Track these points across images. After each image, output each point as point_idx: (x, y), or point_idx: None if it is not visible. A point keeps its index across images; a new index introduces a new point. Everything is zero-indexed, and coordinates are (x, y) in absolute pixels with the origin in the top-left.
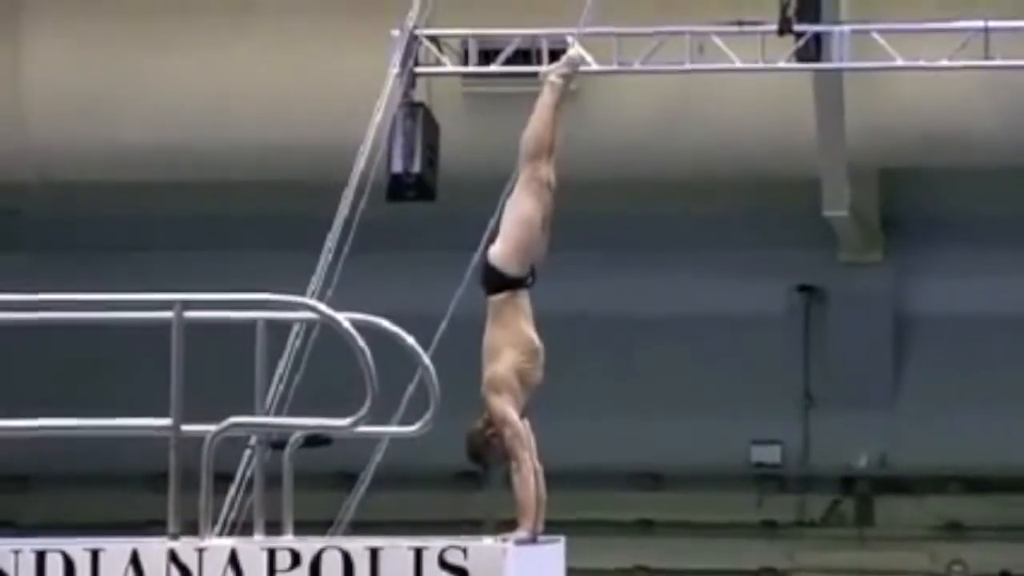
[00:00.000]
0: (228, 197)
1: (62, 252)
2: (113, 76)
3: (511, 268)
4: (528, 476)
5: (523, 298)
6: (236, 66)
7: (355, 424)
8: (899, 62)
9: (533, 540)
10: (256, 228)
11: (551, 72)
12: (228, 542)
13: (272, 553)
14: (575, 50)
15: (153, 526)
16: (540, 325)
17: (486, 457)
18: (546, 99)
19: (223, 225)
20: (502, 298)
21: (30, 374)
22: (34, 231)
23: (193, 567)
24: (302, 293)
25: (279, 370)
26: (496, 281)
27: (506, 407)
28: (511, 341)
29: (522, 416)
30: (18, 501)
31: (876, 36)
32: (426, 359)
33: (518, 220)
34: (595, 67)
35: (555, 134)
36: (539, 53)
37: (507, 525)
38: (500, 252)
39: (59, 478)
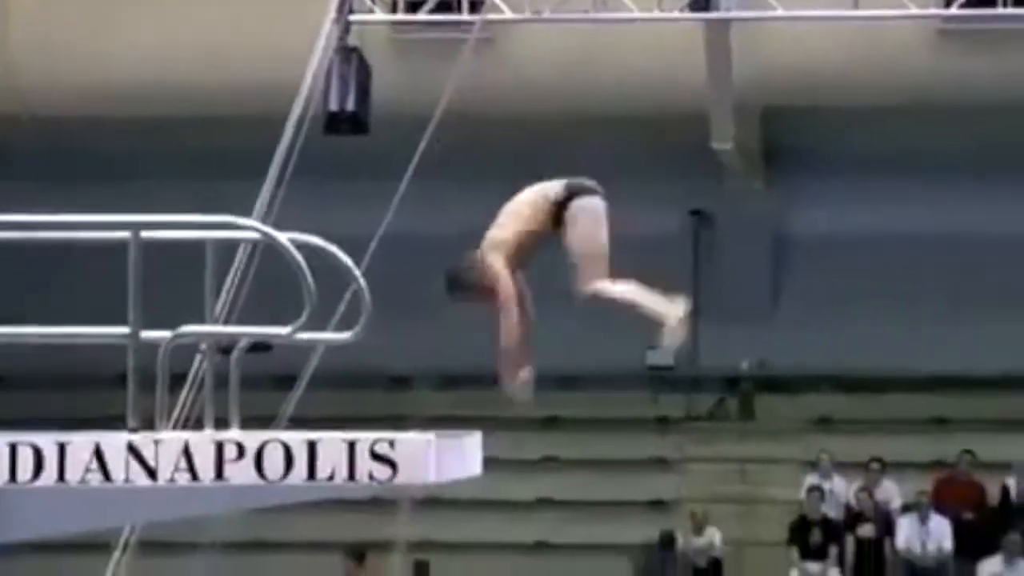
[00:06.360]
0: (185, 132)
1: (46, 182)
2: (89, 23)
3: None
4: (511, 328)
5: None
6: (195, 15)
7: (294, 332)
8: (779, 12)
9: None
10: (209, 159)
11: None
12: (181, 435)
13: (220, 445)
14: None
15: (114, 421)
16: (459, 247)
17: (466, 281)
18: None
19: (180, 156)
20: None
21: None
22: (21, 162)
23: (150, 457)
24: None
25: (227, 284)
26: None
27: (499, 265)
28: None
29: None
30: None
31: None
32: (358, 273)
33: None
34: (509, 15)
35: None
36: (460, 3)
37: (431, 421)
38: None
39: (31, 378)
